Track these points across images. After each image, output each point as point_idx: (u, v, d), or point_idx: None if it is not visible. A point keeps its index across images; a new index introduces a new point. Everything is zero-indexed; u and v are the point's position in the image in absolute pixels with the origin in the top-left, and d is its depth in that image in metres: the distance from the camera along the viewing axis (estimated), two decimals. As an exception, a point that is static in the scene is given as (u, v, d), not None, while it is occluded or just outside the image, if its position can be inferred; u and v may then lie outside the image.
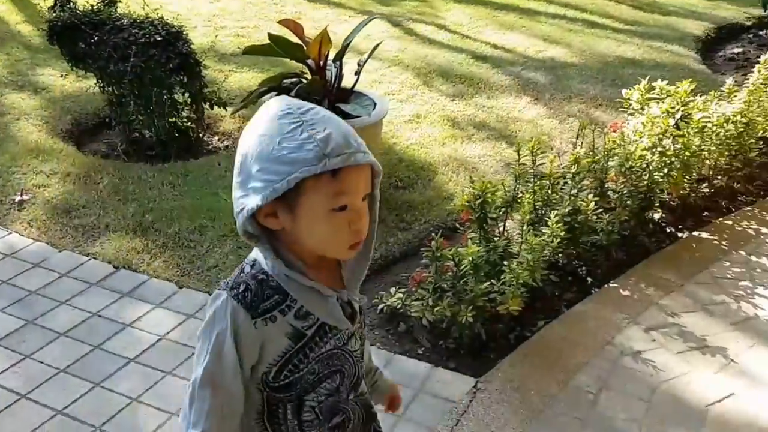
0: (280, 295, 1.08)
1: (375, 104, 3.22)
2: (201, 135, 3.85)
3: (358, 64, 3.23)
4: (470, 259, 2.25)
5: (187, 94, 3.69)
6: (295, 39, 3.14)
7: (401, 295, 2.51)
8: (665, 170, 2.96)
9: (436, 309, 2.35)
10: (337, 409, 1.18)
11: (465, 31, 5.59)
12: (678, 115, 2.94)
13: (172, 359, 2.35)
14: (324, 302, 1.11)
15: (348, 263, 1.15)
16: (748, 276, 2.78)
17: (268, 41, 3.10)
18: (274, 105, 1.05)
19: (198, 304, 2.60)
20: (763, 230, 3.08)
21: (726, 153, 3.26)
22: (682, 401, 2.20)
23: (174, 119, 3.73)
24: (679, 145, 2.91)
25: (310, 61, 3.07)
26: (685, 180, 3.20)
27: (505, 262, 2.43)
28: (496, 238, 2.58)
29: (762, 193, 3.38)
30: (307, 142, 0.99)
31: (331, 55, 3.16)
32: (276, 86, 3.08)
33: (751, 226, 3.11)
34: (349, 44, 3.19)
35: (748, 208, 3.24)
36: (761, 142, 3.45)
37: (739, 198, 3.36)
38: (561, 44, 5.31)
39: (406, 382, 2.23)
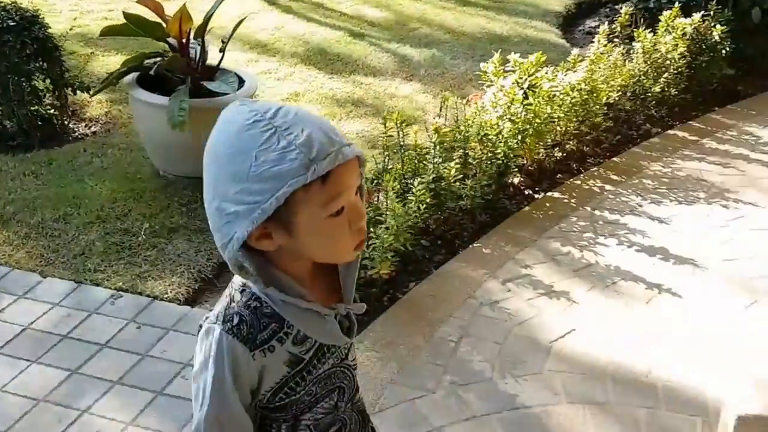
0: (276, 322, 1.00)
1: (243, 81, 3.30)
2: (66, 122, 3.79)
3: (222, 41, 3.29)
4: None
5: (48, 81, 3.62)
6: (155, 18, 3.16)
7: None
8: (519, 137, 3.24)
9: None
10: (333, 421, 1.13)
11: (343, 9, 5.72)
12: (525, 85, 3.21)
13: (38, 348, 2.38)
14: (322, 323, 1.04)
15: (340, 267, 1.07)
16: (591, 228, 3.12)
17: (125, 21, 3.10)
18: (235, 114, 0.94)
19: (62, 292, 2.63)
20: (607, 187, 3.44)
21: (574, 119, 3.59)
22: (530, 340, 2.48)
23: (36, 107, 3.65)
24: (529, 114, 3.19)
25: (171, 40, 3.10)
26: (540, 146, 3.51)
27: (372, 230, 2.62)
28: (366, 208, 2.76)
29: (608, 154, 3.75)
30: (288, 151, 0.89)
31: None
32: (138, 66, 3.10)
33: (597, 185, 3.47)
34: (209, 20, 3.24)
35: (595, 169, 3.60)
36: (605, 108, 3.81)
37: (588, 160, 3.71)
38: (435, 22, 5.55)
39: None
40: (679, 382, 2.27)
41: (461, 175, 3.04)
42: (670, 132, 3.96)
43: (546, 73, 3.40)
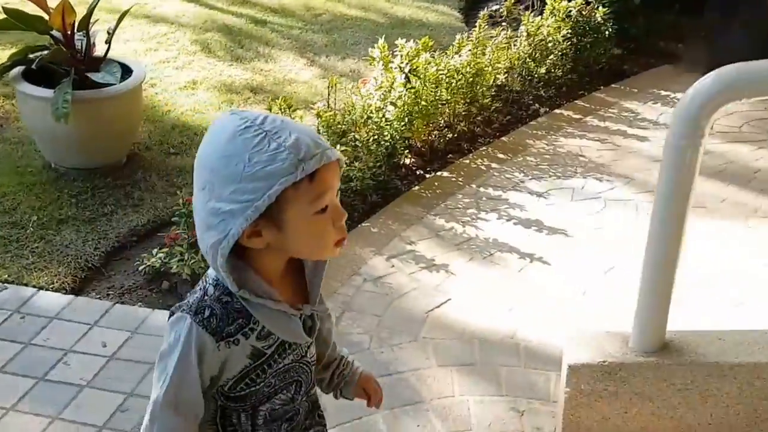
0: (243, 318, 1.08)
1: (132, 71, 3.30)
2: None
3: (108, 32, 3.28)
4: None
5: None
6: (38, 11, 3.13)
7: (162, 254, 2.69)
8: (406, 120, 3.36)
9: (192, 263, 2.57)
10: (287, 411, 1.21)
11: (247, -5, 5.72)
12: (407, 69, 3.34)
13: None
14: (287, 322, 1.11)
15: (307, 266, 1.15)
16: (475, 204, 3.28)
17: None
18: (226, 123, 1.01)
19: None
20: (494, 165, 3.62)
21: (462, 101, 3.75)
22: (408, 312, 2.62)
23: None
24: (410, 97, 3.31)
25: (55, 32, 3.08)
26: (429, 127, 3.65)
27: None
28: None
29: (498, 134, 3.93)
30: (279, 152, 0.97)
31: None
32: (22, 60, 3.07)
33: (484, 163, 3.64)
34: (92, 11, 3.22)
35: (484, 148, 3.77)
36: (495, 89, 3.99)
37: (479, 140, 3.88)
38: (338, 8, 5.62)
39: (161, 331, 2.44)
40: (539, 342, 2.45)
41: (351, 158, 3.15)
42: (557, 111, 4.17)
43: (432, 56, 3.53)
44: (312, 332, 1.17)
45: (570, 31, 4.27)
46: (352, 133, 3.25)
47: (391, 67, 3.41)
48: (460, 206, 3.28)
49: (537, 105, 4.22)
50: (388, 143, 3.33)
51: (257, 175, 0.97)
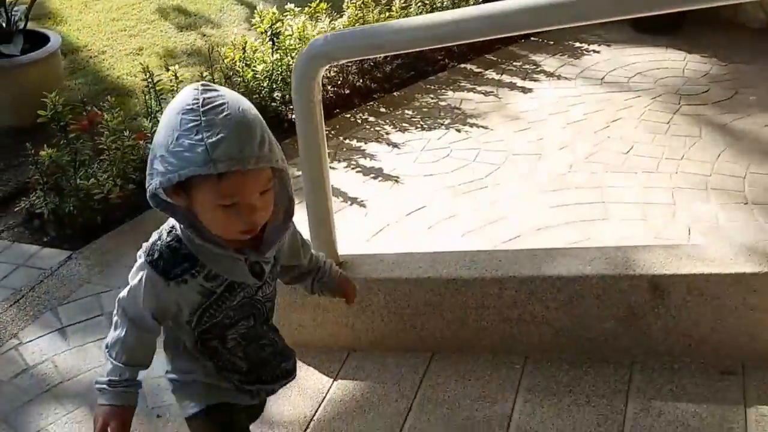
0: (189, 262, 1.21)
1: (48, 40, 3.84)
2: None
3: (27, 8, 3.82)
4: (50, 158, 2.97)
5: None
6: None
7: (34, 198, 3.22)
8: (276, 78, 3.71)
9: (48, 204, 3.09)
10: (256, 335, 1.40)
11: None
12: (269, 33, 3.68)
13: None
14: (233, 264, 1.24)
15: (268, 227, 1.26)
16: (333, 155, 3.56)
17: None
18: (184, 95, 1.12)
19: None
20: (370, 119, 3.87)
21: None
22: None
23: None
24: (276, 57, 3.66)
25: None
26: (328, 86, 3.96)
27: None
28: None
29: (393, 89, 4.15)
30: (198, 144, 1.06)
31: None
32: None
33: (362, 117, 3.90)
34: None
35: (372, 103, 4.01)
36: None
37: (373, 95, 4.12)
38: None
39: (20, 261, 3.01)
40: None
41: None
42: (462, 65, 4.33)
43: (307, 19, 3.84)
44: (261, 276, 1.29)
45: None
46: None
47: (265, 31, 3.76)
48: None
49: (446, 60, 4.39)
50: (264, 99, 3.68)
51: (176, 155, 1.08)
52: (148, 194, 1.15)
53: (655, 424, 1.85)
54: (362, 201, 3.20)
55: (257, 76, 3.67)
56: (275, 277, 1.37)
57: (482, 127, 3.68)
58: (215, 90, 1.12)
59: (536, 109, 3.78)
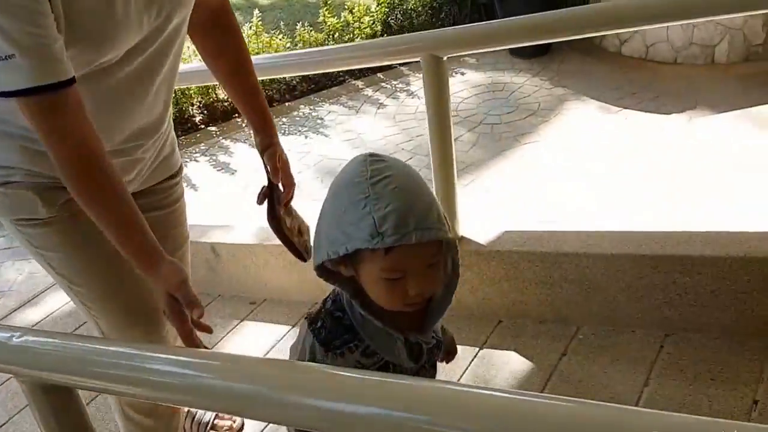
0: (350, 334, 1.17)
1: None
2: None
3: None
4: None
5: None
6: None
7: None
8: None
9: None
10: None
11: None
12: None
13: None
14: (391, 343, 1.17)
15: (432, 303, 1.19)
16: (188, 152, 4.43)
17: None
18: (353, 167, 1.09)
19: None
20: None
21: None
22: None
23: None
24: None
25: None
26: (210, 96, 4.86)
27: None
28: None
29: (288, 100, 4.91)
30: (366, 218, 1.03)
31: None
32: None
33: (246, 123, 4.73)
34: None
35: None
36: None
37: (272, 105, 4.93)
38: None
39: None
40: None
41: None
42: (355, 82, 4.97)
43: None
44: (419, 359, 1.21)
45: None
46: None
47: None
48: (184, 151, 4.48)
49: (347, 76, 5.07)
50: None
51: (343, 228, 1.05)
52: (314, 265, 1.15)
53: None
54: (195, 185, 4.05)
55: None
56: (434, 363, 1.30)
57: (321, 134, 4.36)
58: (383, 161, 1.10)
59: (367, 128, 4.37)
